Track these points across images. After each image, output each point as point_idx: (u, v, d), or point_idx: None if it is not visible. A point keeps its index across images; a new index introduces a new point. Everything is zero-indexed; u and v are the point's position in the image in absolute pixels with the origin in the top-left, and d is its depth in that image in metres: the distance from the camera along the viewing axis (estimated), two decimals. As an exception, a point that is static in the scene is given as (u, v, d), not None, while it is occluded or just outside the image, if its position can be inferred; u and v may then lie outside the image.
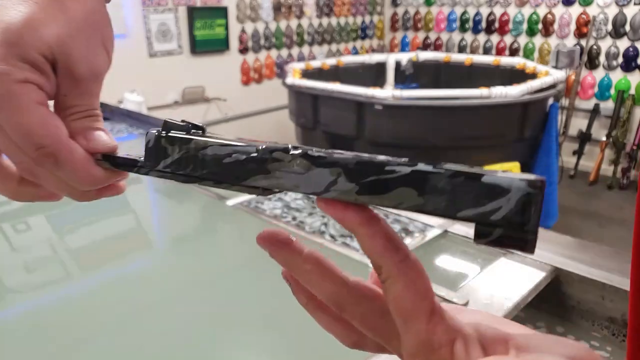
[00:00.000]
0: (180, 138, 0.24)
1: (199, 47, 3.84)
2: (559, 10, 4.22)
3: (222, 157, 0.22)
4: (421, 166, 0.18)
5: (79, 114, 0.27)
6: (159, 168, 0.25)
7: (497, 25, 4.60)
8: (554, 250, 0.88)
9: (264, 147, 0.22)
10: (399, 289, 0.20)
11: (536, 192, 0.17)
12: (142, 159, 0.26)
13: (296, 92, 3.13)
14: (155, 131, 0.25)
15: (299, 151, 0.21)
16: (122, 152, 0.28)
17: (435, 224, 1.03)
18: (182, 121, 0.25)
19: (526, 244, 0.17)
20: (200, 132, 0.25)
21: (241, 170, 0.22)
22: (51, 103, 0.27)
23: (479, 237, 0.18)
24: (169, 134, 0.25)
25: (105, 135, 0.28)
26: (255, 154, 0.21)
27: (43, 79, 0.25)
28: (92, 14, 0.27)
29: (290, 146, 0.21)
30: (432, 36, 5.10)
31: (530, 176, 0.17)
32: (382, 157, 0.19)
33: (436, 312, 0.20)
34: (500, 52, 4.60)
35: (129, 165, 0.26)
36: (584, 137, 4.09)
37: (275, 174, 0.21)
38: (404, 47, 5.32)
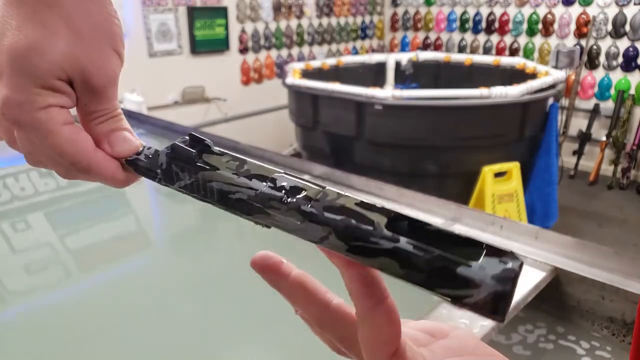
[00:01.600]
0: (189, 167, 0.25)
1: (199, 47, 3.84)
2: (559, 10, 4.22)
3: (227, 193, 0.24)
4: (402, 243, 0.19)
5: (102, 118, 0.29)
6: (175, 187, 0.26)
7: (497, 25, 4.60)
8: (554, 250, 0.88)
9: (261, 192, 0.23)
10: (366, 331, 0.22)
11: (506, 288, 0.17)
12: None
13: (296, 92, 3.13)
14: (165, 153, 0.27)
15: (294, 201, 0.22)
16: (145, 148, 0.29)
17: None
18: (190, 137, 0.26)
19: (496, 317, 0.18)
20: (208, 148, 0.26)
21: (245, 207, 0.23)
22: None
23: (454, 304, 0.19)
24: (179, 161, 0.26)
25: (130, 135, 0.29)
26: (254, 198, 0.23)
27: (64, 98, 0.27)
28: (99, 21, 0.27)
29: (285, 197, 0.22)
30: (432, 36, 5.10)
31: (508, 266, 0.18)
32: (367, 225, 0.20)
33: (397, 355, 0.22)
34: (500, 52, 4.60)
35: (151, 176, 0.28)
36: (584, 137, 4.09)
37: (275, 217, 0.22)
38: (404, 47, 5.32)
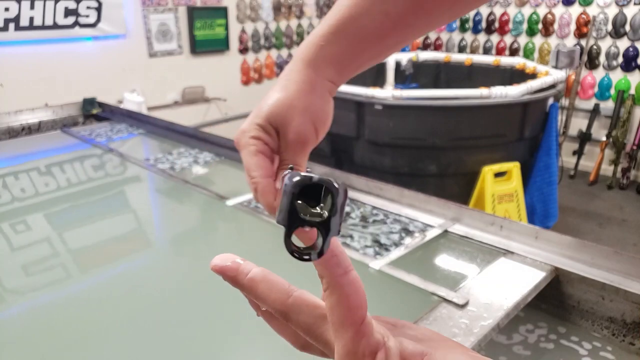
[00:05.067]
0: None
1: (199, 47, 3.84)
2: (559, 10, 4.22)
3: None
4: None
5: (285, 165, 0.38)
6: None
7: (497, 25, 4.60)
8: (554, 250, 0.88)
9: None
10: (334, 300, 0.23)
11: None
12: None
13: (296, 92, 3.12)
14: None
15: None
16: None
17: (436, 224, 1.03)
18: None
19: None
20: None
21: None
22: None
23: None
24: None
25: None
26: None
27: (268, 137, 0.38)
28: (320, 109, 0.41)
29: None
30: (432, 36, 5.10)
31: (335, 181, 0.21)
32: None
33: (365, 326, 0.23)
34: (500, 52, 4.60)
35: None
36: (584, 137, 4.09)
37: None
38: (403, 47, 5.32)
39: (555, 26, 4.27)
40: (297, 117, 0.38)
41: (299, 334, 0.27)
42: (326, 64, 0.41)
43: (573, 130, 4.19)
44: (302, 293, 0.26)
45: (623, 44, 3.94)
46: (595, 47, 4.06)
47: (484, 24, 4.70)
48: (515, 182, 2.72)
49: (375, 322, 0.24)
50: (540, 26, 4.35)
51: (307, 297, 0.26)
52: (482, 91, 2.59)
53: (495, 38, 4.65)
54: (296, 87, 0.39)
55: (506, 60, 3.60)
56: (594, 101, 4.14)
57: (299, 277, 0.28)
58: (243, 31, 4.18)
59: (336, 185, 0.20)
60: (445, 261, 0.91)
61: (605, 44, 4.02)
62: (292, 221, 0.21)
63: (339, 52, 0.41)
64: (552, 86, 2.87)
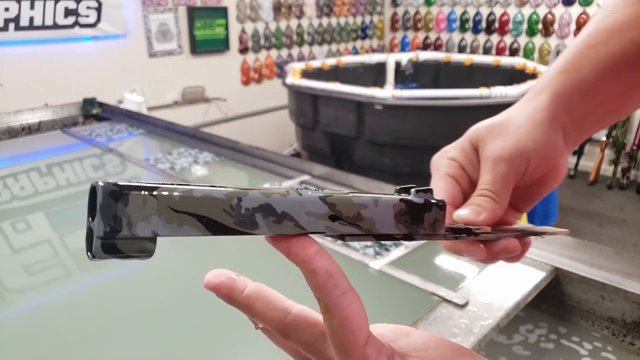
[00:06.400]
0: None
1: (199, 47, 3.84)
2: (559, 10, 4.22)
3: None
4: None
5: (477, 191, 0.34)
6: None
7: (497, 25, 4.60)
8: (554, 250, 0.88)
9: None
10: (334, 324, 0.22)
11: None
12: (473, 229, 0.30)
13: (296, 92, 3.13)
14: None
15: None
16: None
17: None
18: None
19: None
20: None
21: None
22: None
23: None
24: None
25: (471, 214, 0.32)
26: None
27: (465, 160, 0.35)
28: (534, 136, 0.34)
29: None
30: (432, 36, 5.10)
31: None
32: None
33: (368, 347, 0.22)
34: (500, 52, 4.60)
35: (464, 232, 0.30)
36: (584, 137, 4.09)
37: None
38: (404, 47, 5.32)
39: (556, 26, 4.27)
40: (502, 136, 0.34)
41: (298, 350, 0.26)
42: (561, 92, 0.35)
43: (573, 130, 4.18)
44: (301, 310, 0.24)
45: (623, 44, 3.94)
46: (595, 47, 4.06)
47: (484, 24, 4.70)
48: (515, 182, 2.72)
49: (378, 341, 0.23)
50: (540, 26, 4.35)
51: (307, 314, 0.24)
52: (482, 91, 2.59)
53: (495, 38, 4.65)
54: (518, 112, 0.35)
55: (506, 61, 3.60)
56: (594, 101, 4.14)
57: (296, 284, 0.28)
58: (243, 31, 4.18)
59: (100, 186, 0.19)
60: (445, 261, 0.91)
61: (605, 44, 4.02)
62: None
63: (577, 81, 0.35)
64: (552, 86, 2.87)
